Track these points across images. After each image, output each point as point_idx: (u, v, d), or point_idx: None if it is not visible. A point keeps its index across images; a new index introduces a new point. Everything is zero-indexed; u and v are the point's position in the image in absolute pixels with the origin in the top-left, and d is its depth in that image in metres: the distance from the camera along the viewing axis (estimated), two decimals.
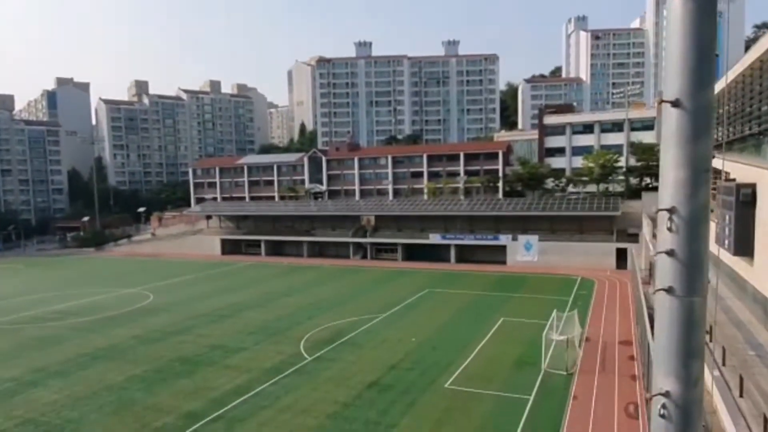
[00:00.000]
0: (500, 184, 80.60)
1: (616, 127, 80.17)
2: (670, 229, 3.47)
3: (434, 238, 68.97)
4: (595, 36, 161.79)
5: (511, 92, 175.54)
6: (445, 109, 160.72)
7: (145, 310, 42.96)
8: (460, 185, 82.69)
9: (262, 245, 79.24)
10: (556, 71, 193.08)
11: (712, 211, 19.89)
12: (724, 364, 13.18)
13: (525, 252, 62.97)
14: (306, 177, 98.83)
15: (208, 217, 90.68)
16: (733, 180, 20.50)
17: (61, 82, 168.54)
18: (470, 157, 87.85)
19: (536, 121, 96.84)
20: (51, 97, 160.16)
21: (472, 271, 59.60)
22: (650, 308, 26.97)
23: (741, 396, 11.64)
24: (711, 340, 14.95)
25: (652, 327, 22.66)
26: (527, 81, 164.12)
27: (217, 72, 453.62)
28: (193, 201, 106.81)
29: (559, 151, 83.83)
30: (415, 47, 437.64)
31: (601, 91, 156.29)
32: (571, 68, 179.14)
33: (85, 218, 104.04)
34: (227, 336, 34.55)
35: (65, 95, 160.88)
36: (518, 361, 28.28)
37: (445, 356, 29.13)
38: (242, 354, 30.61)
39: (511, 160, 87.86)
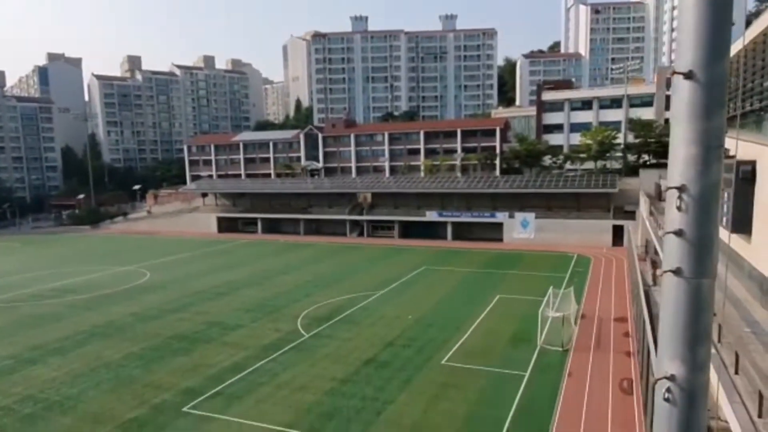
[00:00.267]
0: (497, 162, 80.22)
1: (615, 103, 79.56)
2: (679, 208, 3.33)
3: (431, 216, 68.92)
4: (595, 10, 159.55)
5: (509, 68, 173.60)
6: (443, 85, 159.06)
7: (142, 288, 42.98)
8: (457, 162, 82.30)
9: (259, 223, 79.09)
10: (555, 46, 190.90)
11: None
12: (719, 342, 13.22)
13: (521, 229, 63.06)
14: (302, 154, 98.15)
15: (204, 195, 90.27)
16: (733, 157, 20.34)
17: (52, 57, 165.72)
18: (467, 134, 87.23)
19: (534, 98, 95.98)
20: (42, 73, 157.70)
21: (469, 249, 59.73)
22: (646, 285, 27.09)
23: (736, 373, 11.68)
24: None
25: (648, 304, 22.77)
26: (525, 56, 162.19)
27: (210, 47, 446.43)
28: (188, 178, 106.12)
29: (557, 128, 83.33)
30: (412, 22, 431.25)
31: (600, 67, 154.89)
32: (570, 43, 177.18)
33: (80, 196, 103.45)
34: (224, 313, 34.65)
35: (57, 71, 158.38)
36: (514, 337, 28.48)
37: (441, 333, 29.31)
38: (240, 331, 30.73)
39: (508, 137, 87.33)
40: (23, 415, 20.71)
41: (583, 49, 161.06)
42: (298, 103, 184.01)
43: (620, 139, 71.38)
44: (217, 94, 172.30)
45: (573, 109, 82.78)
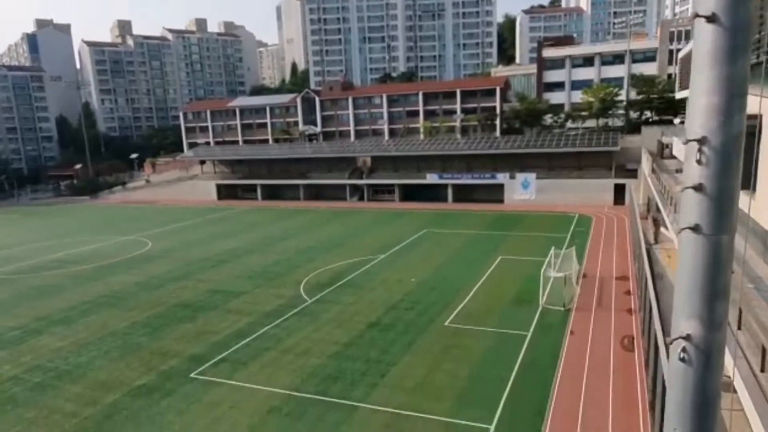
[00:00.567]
0: (498, 122, 79.24)
1: (617, 59, 78.00)
2: (699, 162, 3.15)
3: (431, 178, 68.58)
4: None
5: (509, 24, 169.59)
6: (441, 45, 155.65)
7: (144, 257, 43.13)
8: (457, 124, 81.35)
9: (258, 189, 78.79)
10: (556, 1, 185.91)
11: None
12: None
13: (522, 190, 62.83)
14: (300, 118, 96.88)
15: (202, 162, 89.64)
16: None
17: (40, 24, 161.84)
18: (467, 95, 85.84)
19: (535, 55, 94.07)
20: (32, 40, 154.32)
21: (470, 211, 59.66)
22: (648, 244, 27.09)
23: (739, 329, 11.71)
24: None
25: (650, 262, 22.80)
26: (525, 12, 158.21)
27: (202, 10, 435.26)
28: (185, 146, 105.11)
29: (558, 86, 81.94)
30: None
31: (602, 21, 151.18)
32: None
33: (78, 166, 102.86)
34: (227, 281, 34.84)
35: (46, 38, 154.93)
36: (516, 298, 28.67)
37: (444, 295, 29.51)
38: (242, 298, 30.94)
39: (508, 96, 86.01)
40: (33, 384, 21.03)
41: (585, 3, 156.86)
42: (294, 66, 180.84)
43: (622, 96, 70.30)
44: (210, 58, 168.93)
45: (574, 66, 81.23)
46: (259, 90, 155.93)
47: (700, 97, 3.14)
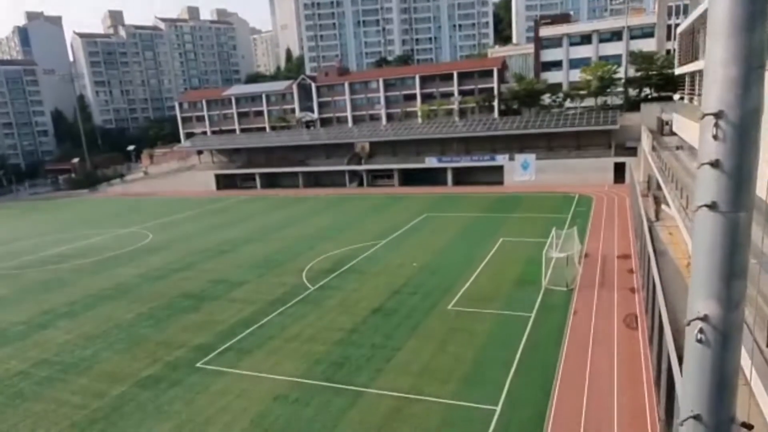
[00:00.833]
0: (495, 103, 78.65)
1: (615, 36, 77.11)
2: (715, 137, 3.03)
3: (430, 162, 68.32)
4: None
5: (504, 4, 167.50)
6: (436, 26, 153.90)
7: (146, 249, 43.11)
8: (455, 106, 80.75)
9: (257, 178, 78.56)
10: None
11: None
12: None
13: (522, 171, 62.62)
14: (296, 105, 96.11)
15: (200, 152, 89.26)
16: None
17: (31, 16, 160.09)
18: (464, 76, 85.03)
19: (531, 34, 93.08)
20: (23, 33, 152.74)
21: (470, 193, 59.51)
22: (649, 221, 27.04)
23: None
24: None
25: (651, 239, 22.75)
26: None
27: None
28: (182, 136, 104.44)
29: (556, 65, 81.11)
30: None
31: None
32: None
33: (75, 160, 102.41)
34: (229, 270, 34.84)
35: (38, 31, 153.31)
36: (519, 279, 28.68)
37: (446, 279, 29.52)
38: (245, 287, 30.97)
39: (506, 77, 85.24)
40: (40, 378, 21.11)
41: None
42: (289, 52, 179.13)
43: (621, 74, 69.68)
44: (204, 47, 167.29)
45: (572, 44, 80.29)
46: (255, 78, 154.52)
47: (717, 69, 3.01)
